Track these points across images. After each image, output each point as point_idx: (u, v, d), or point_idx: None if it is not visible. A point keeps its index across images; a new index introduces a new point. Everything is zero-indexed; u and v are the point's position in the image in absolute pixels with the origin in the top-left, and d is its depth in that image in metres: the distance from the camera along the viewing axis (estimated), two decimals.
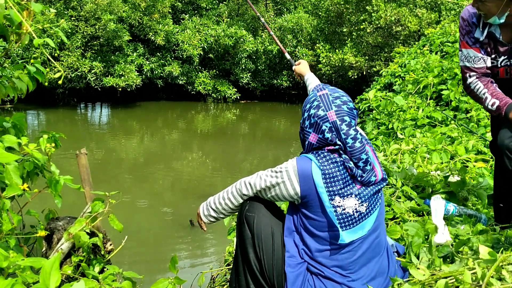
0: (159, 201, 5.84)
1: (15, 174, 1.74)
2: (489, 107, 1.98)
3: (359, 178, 1.62)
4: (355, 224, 1.63)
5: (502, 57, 2.02)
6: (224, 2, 16.51)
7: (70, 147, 6.68)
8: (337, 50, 14.62)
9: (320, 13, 15.65)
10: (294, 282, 1.65)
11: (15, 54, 11.49)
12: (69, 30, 12.70)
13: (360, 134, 1.67)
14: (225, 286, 2.43)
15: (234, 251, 1.91)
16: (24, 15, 2.03)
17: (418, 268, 1.72)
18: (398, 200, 2.63)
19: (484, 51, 2.03)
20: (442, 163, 3.43)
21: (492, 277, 1.54)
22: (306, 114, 1.70)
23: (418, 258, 1.90)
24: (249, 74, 16.10)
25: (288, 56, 2.71)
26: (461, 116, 4.52)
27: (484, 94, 2.01)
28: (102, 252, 2.43)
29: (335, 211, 1.61)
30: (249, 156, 9.15)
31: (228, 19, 16.02)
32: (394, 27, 13.24)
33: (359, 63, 14.08)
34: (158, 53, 14.85)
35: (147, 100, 15.20)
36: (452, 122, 4.46)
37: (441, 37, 7.32)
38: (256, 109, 15.59)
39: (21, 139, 2.06)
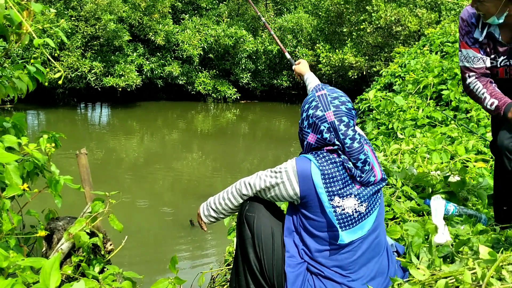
0: (159, 201, 5.84)
1: (15, 174, 1.74)
2: (488, 107, 1.98)
3: (358, 179, 1.62)
4: (354, 224, 1.63)
5: (502, 57, 2.02)
6: (224, 2, 16.51)
7: (70, 147, 6.68)
8: (337, 50, 14.62)
9: (320, 13, 15.65)
10: (294, 282, 1.65)
11: (15, 54, 11.49)
12: (69, 30, 12.70)
13: (359, 134, 1.66)
14: (225, 286, 2.43)
15: (234, 251, 1.91)
16: (24, 15, 2.03)
17: (418, 268, 1.72)
18: (398, 200, 2.63)
19: (483, 52, 2.04)
20: (442, 163, 3.43)
21: (492, 277, 1.54)
22: (304, 115, 1.70)
23: (418, 258, 1.90)
24: (249, 74, 16.10)
25: (288, 56, 2.71)
26: (461, 116, 4.52)
27: (483, 94, 2.01)
28: (102, 252, 2.43)
29: (335, 211, 1.61)
30: (249, 156, 9.15)
31: (228, 19, 16.02)
32: (394, 27, 13.24)
33: (359, 63, 14.09)
34: (158, 53, 14.85)
35: (147, 100, 15.20)
36: (452, 122, 4.46)
37: (441, 37, 7.32)
38: (256, 109, 15.59)
39: (21, 139, 2.06)
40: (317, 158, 1.64)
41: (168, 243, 4.62)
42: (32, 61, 2.33)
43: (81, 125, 12.05)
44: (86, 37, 13.18)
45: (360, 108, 5.97)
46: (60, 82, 2.47)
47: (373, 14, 13.32)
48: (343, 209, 1.62)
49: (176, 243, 4.63)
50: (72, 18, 13.01)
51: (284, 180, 1.67)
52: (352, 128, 1.65)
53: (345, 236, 1.62)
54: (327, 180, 1.61)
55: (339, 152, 1.63)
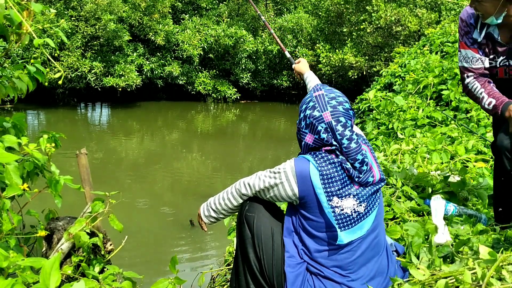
0: (159, 201, 5.84)
1: (15, 174, 1.74)
2: (486, 106, 1.99)
3: (356, 179, 1.62)
4: (353, 224, 1.63)
5: (501, 58, 2.03)
6: (224, 2, 16.51)
7: (70, 147, 6.68)
8: (337, 50, 14.62)
9: (320, 13, 15.65)
10: (293, 282, 1.65)
11: (15, 54, 11.50)
12: (69, 30, 12.71)
13: (356, 134, 1.66)
14: (225, 286, 2.43)
15: (234, 251, 1.91)
16: (24, 15, 2.03)
17: (418, 268, 1.72)
18: (398, 200, 2.63)
19: (482, 52, 2.04)
20: (442, 163, 3.43)
21: (492, 277, 1.54)
22: (302, 115, 1.71)
23: (418, 258, 1.90)
24: (249, 74, 16.10)
25: (288, 55, 2.71)
26: (461, 116, 4.52)
27: (481, 93, 2.02)
28: (102, 252, 2.43)
29: (333, 211, 1.61)
30: (249, 156, 9.15)
31: (228, 19, 16.02)
32: (394, 27, 13.24)
33: (359, 63, 14.09)
34: (158, 53, 14.85)
35: (147, 100, 15.20)
36: (452, 122, 4.46)
37: (441, 37, 7.32)
38: (256, 109, 15.59)
39: (21, 139, 2.06)
40: (316, 158, 1.64)
41: (168, 243, 4.62)
42: (32, 61, 2.34)
43: (81, 125, 12.05)
44: (86, 37, 13.18)
45: (360, 108, 5.97)
46: (60, 82, 2.47)
47: (373, 14, 13.32)
48: (342, 210, 1.62)
49: (176, 243, 4.63)
50: (72, 18, 13.01)
51: (283, 180, 1.67)
52: (350, 128, 1.65)
53: (344, 236, 1.62)
54: (326, 181, 1.61)
55: (337, 152, 1.63)
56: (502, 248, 1.85)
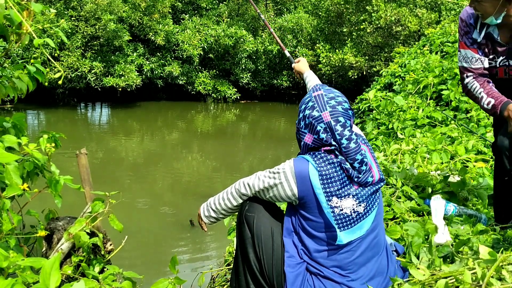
0: (159, 201, 5.84)
1: (15, 174, 1.74)
2: (485, 106, 1.99)
3: (355, 179, 1.62)
4: (353, 224, 1.63)
5: (501, 58, 2.03)
6: (224, 2, 16.51)
7: (70, 147, 6.69)
8: (337, 50, 14.62)
9: (320, 13, 15.65)
10: (293, 282, 1.65)
11: (15, 54, 11.50)
12: (69, 30, 12.71)
13: (356, 134, 1.66)
14: (225, 286, 2.43)
15: (234, 251, 1.91)
16: (24, 15, 2.03)
17: (418, 268, 1.72)
18: (398, 200, 2.63)
19: (481, 52, 2.04)
20: (442, 163, 3.43)
21: (492, 277, 1.54)
22: (301, 115, 1.71)
23: (418, 258, 1.90)
24: (249, 74, 16.10)
25: (287, 54, 2.70)
26: (461, 116, 4.52)
27: (480, 93, 2.02)
28: (102, 252, 2.43)
29: (333, 211, 1.61)
30: (249, 156, 9.15)
31: (228, 19, 16.02)
32: (394, 27, 13.24)
33: (359, 63, 14.08)
34: (158, 53, 14.85)
35: (147, 100, 15.20)
36: (452, 122, 4.46)
37: (441, 37, 7.32)
38: (256, 109, 15.59)
39: (21, 139, 2.06)
40: (315, 159, 1.64)
41: (168, 243, 4.62)
42: (32, 61, 2.34)
43: (81, 125, 12.05)
44: (86, 37, 13.18)
45: (360, 108, 5.97)
46: (60, 82, 2.47)
47: (373, 14, 13.32)
48: (341, 210, 1.62)
49: (176, 243, 4.63)
50: (72, 18, 13.01)
51: (282, 181, 1.67)
52: (349, 128, 1.64)
53: (343, 237, 1.62)
54: (325, 181, 1.61)
55: (336, 152, 1.63)
56: (502, 248, 1.85)
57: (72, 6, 13.10)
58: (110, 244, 2.58)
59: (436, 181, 2.85)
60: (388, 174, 2.95)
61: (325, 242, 1.66)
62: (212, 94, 15.74)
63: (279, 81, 16.72)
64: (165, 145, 9.82)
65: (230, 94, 15.62)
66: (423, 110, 4.86)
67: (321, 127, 1.63)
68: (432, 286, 1.64)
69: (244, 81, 16.02)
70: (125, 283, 2.05)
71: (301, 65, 2.43)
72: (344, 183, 1.62)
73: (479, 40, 2.02)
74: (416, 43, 9.28)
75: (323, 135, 1.63)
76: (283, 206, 2.66)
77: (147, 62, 14.41)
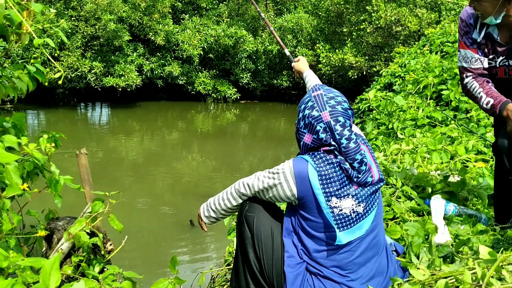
0: (159, 201, 5.84)
1: (15, 174, 1.74)
2: (484, 106, 1.99)
3: (355, 179, 1.62)
4: (352, 224, 1.63)
5: (500, 58, 2.03)
6: (224, 2, 16.51)
7: (70, 147, 6.68)
8: (337, 50, 14.62)
9: (320, 13, 15.65)
10: (293, 282, 1.65)
11: (15, 54, 11.49)
12: (69, 30, 12.71)
13: (355, 134, 1.66)
14: (225, 286, 2.43)
15: (234, 251, 1.91)
16: (24, 15, 2.03)
17: (418, 268, 1.72)
18: (398, 200, 2.63)
19: (481, 52, 2.05)
20: (442, 163, 3.43)
21: (492, 277, 1.54)
22: (301, 115, 1.71)
23: (418, 258, 1.90)
24: (249, 74, 16.10)
25: (287, 53, 2.70)
26: (461, 116, 4.52)
27: (479, 93, 2.02)
28: (102, 252, 2.43)
29: (332, 212, 1.61)
30: (249, 156, 9.15)
31: (228, 19, 16.02)
32: (394, 27, 13.23)
33: (359, 63, 14.08)
34: (158, 53, 14.85)
35: (147, 100, 15.20)
36: (452, 122, 4.46)
37: (441, 37, 7.32)
38: (256, 109, 15.59)
39: (21, 139, 2.06)
40: (314, 159, 1.64)
41: (168, 243, 4.62)
42: (32, 61, 2.34)
43: (81, 125, 12.05)
44: (86, 37, 13.18)
45: (360, 108, 5.97)
46: (60, 82, 2.47)
47: (373, 14, 13.31)
48: (341, 210, 1.61)
49: (176, 243, 4.63)
50: (72, 18, 13.01)
51: (281, 181, 1.67)
52: (348, 128, 1.64)
53: (342, 237, 1.62)
54: (324, 181, 1.61)
55: (336, 153, 1.63)
56: (502, 248, 1.85)
57: (72, 6, 13.11)
58: (110, 244, 2.58)
59: (436, 181, 2.85)
60: (388, 174, 2.95)
61: (324, 242, 1.66)
62: (212, 94, 15.74)
63: (279, 81, 16.72)
64: (165, 145, 9.82)
65: (230, 94, 15.62)
66: (423, 110, 4.86)
67: (321, 127, 1.63)
68: (432, 286, 1.64)
69: (244, 81, 16.02)
70: (125, 283, 2.05)
71: (301, 64, 2.42)
72: (344, 183, 1.62)
73: (479, 40, 2.02)
74: (416, 43, 9.28)
75: (322, 135, 1.63)
76: (283, 206, 2.67)
77: (147, 62, 14.41)
